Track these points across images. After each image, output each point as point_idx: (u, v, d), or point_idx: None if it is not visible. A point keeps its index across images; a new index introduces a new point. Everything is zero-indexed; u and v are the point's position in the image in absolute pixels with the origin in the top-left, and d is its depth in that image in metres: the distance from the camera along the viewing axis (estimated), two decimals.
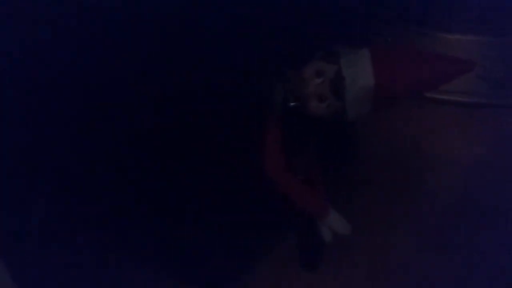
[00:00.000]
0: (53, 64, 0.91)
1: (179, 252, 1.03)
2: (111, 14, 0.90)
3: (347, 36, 0.97)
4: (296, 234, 1.07)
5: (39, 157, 0.96)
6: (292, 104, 0.94)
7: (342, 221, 1.02)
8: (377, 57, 0.92)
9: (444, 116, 1.06)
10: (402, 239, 1.03)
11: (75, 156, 0.96)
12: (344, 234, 1.02)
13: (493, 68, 1.05)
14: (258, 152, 0.96)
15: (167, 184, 1.01)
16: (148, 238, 1.02)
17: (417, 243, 1.03)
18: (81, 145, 0.96)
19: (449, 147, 1.07)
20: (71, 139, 0.96)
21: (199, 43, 0.93)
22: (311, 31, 0.94)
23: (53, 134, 0.95)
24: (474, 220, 1.03)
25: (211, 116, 0.96)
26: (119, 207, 1.00)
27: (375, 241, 1.04)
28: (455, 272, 1.00)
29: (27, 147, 0.94)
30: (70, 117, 0.95)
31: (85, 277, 1.00)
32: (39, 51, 0.90)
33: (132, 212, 1.00)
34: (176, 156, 1.00)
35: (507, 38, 1.06)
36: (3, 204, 0.95)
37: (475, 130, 1.07)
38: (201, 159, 1.00)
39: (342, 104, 0.93)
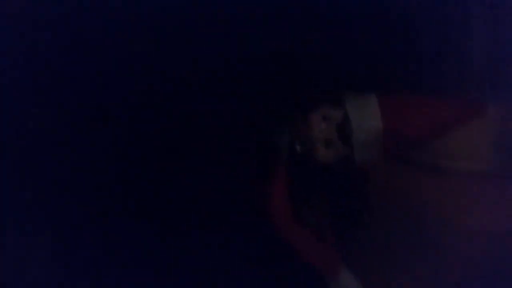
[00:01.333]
0: (53, 64, 0.92)
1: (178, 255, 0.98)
2: (111, 14, 0.91)
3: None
4: None
5: (39, 157, 0.94)
6: (298, 148, 0.92)
7: (355, 282, 0.96)
8: (385, 101, 0.92)
9: (459, 185, 1.03)
10: None
11: (75, 156, 0.95)
12: None
13: (508, 138, 1.04)
14: (265, 200, 0.94)
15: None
16: (147, 240, 0.98)
17: None
18: (81, 145, 0.95)
19: (467, 216, 1.03)
20: (70, 139, 0.95)
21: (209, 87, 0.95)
22: (318, 78, 0.95)
23: (53, 134, 0.94)
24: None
25: (218, 161, 0.95)
26: (118, 208, 0.97)
27: None
28: None
29: (27, 147, 0.93)
30: (69, 117, 0.94)
31: (84, 277, 0.96)
32: (39, 51, 0.91)
33: (132, 213, 0.97)
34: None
35: None
36: (2, 204, 0.92)
37: (493, 199, 1.03)
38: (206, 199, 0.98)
39: (350, 148, 0.91)
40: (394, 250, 1.00)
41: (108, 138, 0.95)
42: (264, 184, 0.94)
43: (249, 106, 0.95)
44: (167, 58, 0.95)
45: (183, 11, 0.93)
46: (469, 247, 1.00)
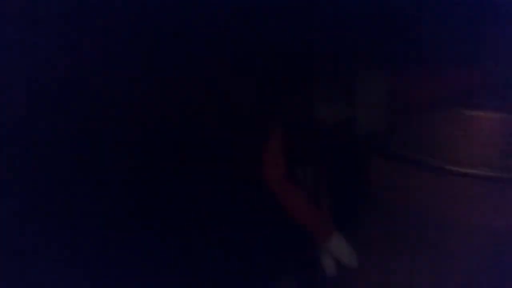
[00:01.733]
0: (53, 64, 0.94)
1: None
2: (112, 14, 0.93)
3: None
4: (295, 267, 0.99)
5: (40, 157, 0.95)
6: (299, 107, 0.93)
7: (347, 248, 0.95)
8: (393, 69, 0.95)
9: (466, 188, 1.04)
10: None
11: (75, 157, 0.96)
12: (348, 265, 0.95)
13: None
14: (259, 159, 0.93)
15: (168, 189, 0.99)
16: (148, 240, 0.98)
17: None
18: (81, 146, 0.96)
19: (472, 217, 1.02)
20: (70, 139, 0.96)
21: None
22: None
23: (53, 134, 0.95)
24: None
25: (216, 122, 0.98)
26: (119, 209, 0.98)
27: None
28: None
29: (27, 147, 0.95)
30: (69, 117, 0.96)
31: (84, 278, 0.97)
32: (39, 51, 0.93)
33: (133, 213, 0.98)
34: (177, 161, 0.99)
35: None
36: (2, 203, 0.94)
37: (499, 201, 1.03)
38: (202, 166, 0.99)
39: (352, 110, 0.94)
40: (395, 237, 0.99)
41: (109, 137, 0.96)
42: (260, 141, 0.94)
43: (250, 67, 0.97)
44: (167, 57, 0.99)
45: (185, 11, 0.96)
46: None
